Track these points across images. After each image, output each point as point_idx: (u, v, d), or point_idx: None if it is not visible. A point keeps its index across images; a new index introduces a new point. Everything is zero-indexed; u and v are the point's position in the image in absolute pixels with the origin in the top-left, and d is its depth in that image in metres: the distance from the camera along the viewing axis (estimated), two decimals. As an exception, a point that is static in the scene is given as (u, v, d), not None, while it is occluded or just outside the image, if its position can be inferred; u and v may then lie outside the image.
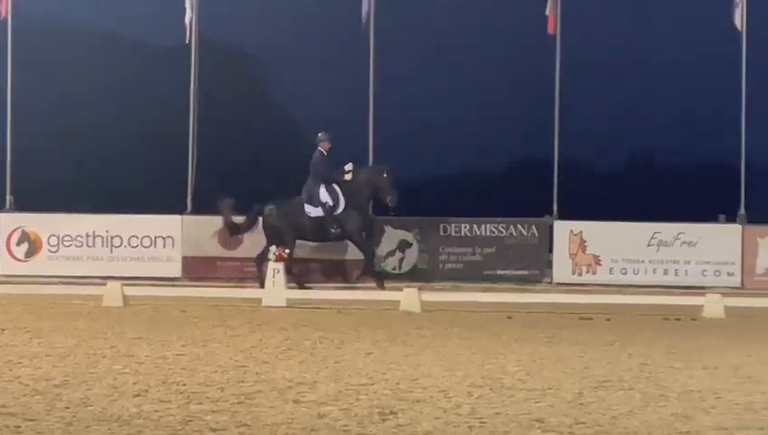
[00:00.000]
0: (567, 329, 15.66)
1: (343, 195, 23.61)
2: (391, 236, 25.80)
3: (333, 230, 23.59)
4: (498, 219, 26.17)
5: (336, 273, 25.09)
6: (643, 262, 25.26)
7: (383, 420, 8.30)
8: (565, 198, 26.34)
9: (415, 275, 25.37)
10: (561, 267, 25.47)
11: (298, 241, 23.89)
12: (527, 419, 8.45)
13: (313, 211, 23.57)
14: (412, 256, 25.91)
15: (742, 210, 25.72)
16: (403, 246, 25.86)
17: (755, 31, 26.06)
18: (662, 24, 33.06)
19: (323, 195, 23.51)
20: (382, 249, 25.60)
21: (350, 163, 23.98)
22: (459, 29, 34.66)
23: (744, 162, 26.24)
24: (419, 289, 19.53)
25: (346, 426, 8.04)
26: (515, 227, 25.89)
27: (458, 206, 28.88)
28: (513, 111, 34.23)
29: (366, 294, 20.71)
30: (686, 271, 25.14)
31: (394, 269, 25.64)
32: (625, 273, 25.29)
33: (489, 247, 25.89)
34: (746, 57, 26.12)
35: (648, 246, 25.27)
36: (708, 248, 25.09)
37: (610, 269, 25.39)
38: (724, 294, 19.26)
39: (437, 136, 36.84)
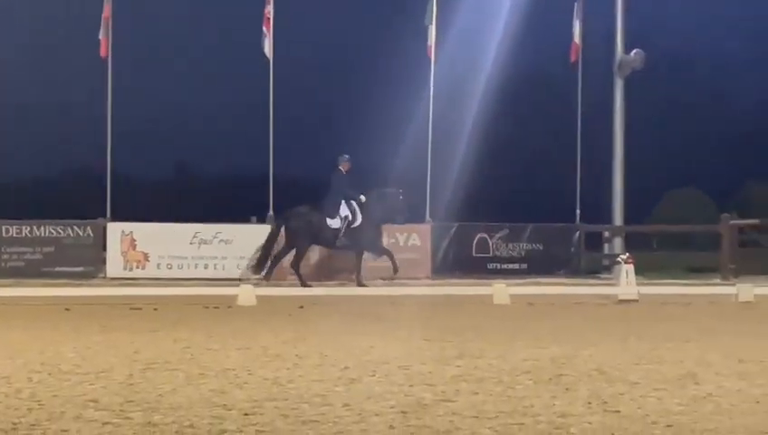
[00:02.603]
0: (119, 318, 15.47)
1: (360, 211, 23.63)
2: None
3: (344, 241, 23.61)
4: (56, 221, 25.59)
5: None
6: (186, 258, 25.36)
7: (-53, 407, 7.89)
8: (118, 202, 26.16)
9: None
10: (114, 264, 25.16)
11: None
12: (82, 399, 8.29)
13: (333, 223, 23.55)
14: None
15: (270, 212, 26.37)
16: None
17: (282, 56, 26.80)
18: (203, 41, 33.29)
19: (343, 209, 23.59)
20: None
21: (363, 196, 23.63)
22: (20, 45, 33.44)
23: (272, 170, 26.93)
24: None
25: None
26: (72, 229, 25.37)
27: (20, 209, 27.95)
28: (66, 125, 33.44)
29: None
30: (223, 265, 25.44)
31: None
32: (171, 268, 25.27)
33: (48, 247, 25.23)
34: (273, 79, 26.79)
35: (191, 244, 25.40)
36: (242, 245, 25.49)
37: (158, 265, 25.29)
38: (255, 285, 19.66)
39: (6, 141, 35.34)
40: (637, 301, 18.81)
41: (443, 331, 13.54)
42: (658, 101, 35.28)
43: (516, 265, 26.63)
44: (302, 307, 17.42)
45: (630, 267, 19.44)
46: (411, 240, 26.22)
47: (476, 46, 27.89)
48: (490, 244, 26.63)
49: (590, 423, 7.64)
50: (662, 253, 29.14)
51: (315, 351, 11.41)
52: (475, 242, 26.60)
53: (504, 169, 28.29)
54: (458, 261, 26.39)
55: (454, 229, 26.73)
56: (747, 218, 27.39)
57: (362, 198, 23.65)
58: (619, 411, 8.10)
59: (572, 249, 27.13)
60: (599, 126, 28.64)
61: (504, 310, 17.44)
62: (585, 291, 20.96)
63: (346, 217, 23.58)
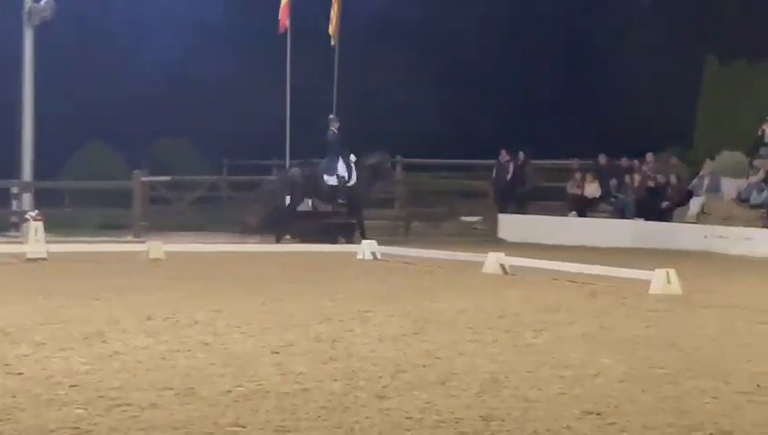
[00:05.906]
0: None
1: (356, 171, 24.81)
2: None
3: (341, 200, 24.94)
4: None
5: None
6: None
7: None
8: None
9: None
10: None
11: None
12: None
13: (330, 180, 24.67)
14: None
15: None
16: None
17: None
18: None
19: (341, 168, 24.71)
20: None
21: (353, 156, 24.98)
22: None
23: None
24: None
25: None
26: None
27: None
28: None
29: None
30: None
31: None
32: None
33: None
34: None
35: None
36: None
37: None
38: None
39: None
40: (46, 259, 18.58)
41: None
42: (74, 54, 34.89)
43: None
44: None
45: (39, 225, 19.15)
46: None
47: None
48: None
49: (-9, 387, 7.47)
50: (74, 209, 28.92)
51: None
52: None
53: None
54: None
55: None
56: (160, 175, 27.95)
57: (353, 157, 24.96)
58: (22, 373, 8.00)
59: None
60: (10, 77, 27.83)
61: None
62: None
63: (342, 176, 24.78)
